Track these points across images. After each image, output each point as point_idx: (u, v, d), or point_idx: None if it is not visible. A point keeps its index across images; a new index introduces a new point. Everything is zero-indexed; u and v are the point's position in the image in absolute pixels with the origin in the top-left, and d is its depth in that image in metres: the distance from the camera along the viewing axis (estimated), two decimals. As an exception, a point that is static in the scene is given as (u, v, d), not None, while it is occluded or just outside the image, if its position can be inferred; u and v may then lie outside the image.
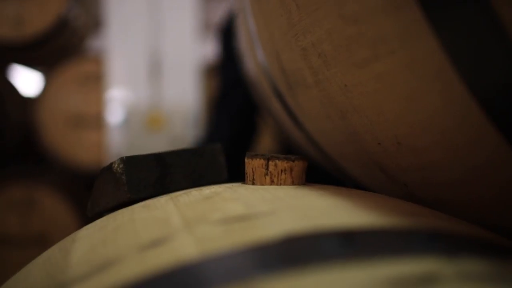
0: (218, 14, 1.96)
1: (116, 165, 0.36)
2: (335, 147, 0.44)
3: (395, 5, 0.25)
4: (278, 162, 0.33)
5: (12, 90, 2.31)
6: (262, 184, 0.34)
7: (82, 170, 2.27)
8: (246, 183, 0.35)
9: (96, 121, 2.27)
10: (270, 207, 0.26)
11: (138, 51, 2.11)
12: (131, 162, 0.36)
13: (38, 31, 2.12)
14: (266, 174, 0.34)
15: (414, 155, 0.32)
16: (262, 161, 0.33)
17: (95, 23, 2.81)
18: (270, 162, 0.33)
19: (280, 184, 0.34)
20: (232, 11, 1.23)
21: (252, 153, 0.34)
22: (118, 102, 2.09)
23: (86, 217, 0.40)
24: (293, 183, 0.34)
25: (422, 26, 0.25)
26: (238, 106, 1.28)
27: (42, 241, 2.19)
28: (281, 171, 0.33)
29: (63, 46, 2.37)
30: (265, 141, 1.79)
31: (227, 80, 1.34)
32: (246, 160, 0.35)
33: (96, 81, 2.26)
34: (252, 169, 0.34)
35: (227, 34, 1.30)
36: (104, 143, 2.22)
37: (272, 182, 0.34)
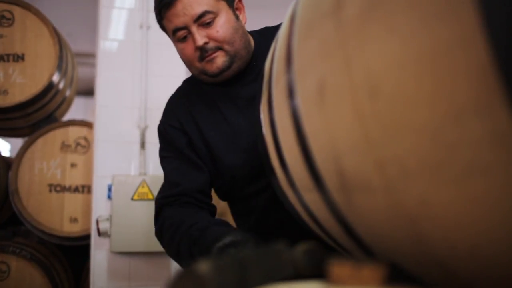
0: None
1: (202, 267, 0.37)
2: (388, 246, 0.46)
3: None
4: (363, 270, 0.35)
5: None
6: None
7: (61, 237, 2.20)
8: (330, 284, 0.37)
9: (80, 188, 2.23)
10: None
11: (126, 121, 2.11)
12: (215, 265, 0.37)
13: (23, 100, 2.12)
14: (351, 277, 0.36)
15: (487, 261, 0.35)
16: (347, 267, 0.36)
17: (78, 90, 2.83)
18: (355, 269, 0.35)
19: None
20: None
21: (337, 257, 0.36)
22: (104, 171, 2.06)
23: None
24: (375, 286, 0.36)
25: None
26: None
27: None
28: (365, 276, 0.35)
29: (46, 111, 2.37)
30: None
31: None
32: (331, 263, 0.37)
33: (80, 148, 2.25)
34: (337, 273, 0.36)
35: None
36: (88, 211, 2.17)
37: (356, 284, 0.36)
